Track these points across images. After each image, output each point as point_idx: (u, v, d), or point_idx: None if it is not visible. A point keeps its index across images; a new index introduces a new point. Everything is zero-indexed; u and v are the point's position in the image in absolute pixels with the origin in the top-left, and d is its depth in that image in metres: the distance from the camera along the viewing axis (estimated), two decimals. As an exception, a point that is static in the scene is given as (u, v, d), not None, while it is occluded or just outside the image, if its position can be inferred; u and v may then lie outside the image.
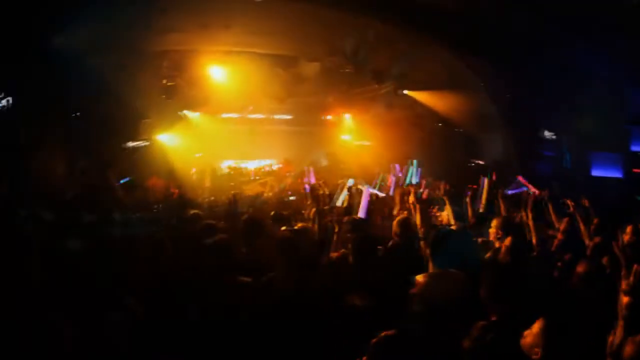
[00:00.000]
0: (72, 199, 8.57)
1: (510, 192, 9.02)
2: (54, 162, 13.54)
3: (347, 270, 5.47)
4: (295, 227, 6.83)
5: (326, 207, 7.54)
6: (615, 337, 3.48)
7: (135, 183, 13.70)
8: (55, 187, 11.78)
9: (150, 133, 17.63)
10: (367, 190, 7.89)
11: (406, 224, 6.40)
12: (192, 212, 8.08)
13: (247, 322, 4.66)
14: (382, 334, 3.32)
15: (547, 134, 15.75)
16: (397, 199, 8.46)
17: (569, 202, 6.98)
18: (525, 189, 9.37)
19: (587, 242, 6.26)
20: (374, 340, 3.29)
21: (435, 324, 3.99)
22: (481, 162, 17.14)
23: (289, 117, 19.85)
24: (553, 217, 7.17)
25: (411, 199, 7.48)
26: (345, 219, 6.94)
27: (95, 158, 14.13)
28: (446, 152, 17.90)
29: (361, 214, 7.58)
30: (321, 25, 13.24)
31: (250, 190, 11.57)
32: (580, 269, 5.02)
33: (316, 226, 6.81)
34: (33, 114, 12.51)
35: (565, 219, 6.79)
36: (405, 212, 7.68)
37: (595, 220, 6.52)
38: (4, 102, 12.58)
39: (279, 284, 5.17)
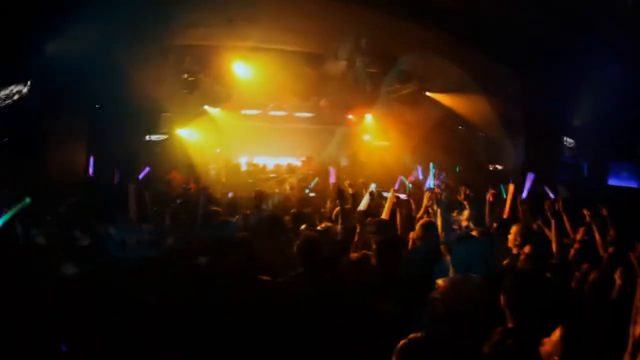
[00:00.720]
0: (65, 212, 8.30)
1: (525, 193, 8.96)
2: (73, 153, 13.65)
3: (367, 272, 5.47)
4: (319, 227, 6.85)
5: (349, 207, 7.57)
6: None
7: (155, 176, 13.77)
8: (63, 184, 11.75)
9: (170, 127, 17.74)
10: (391, 194, 7.88)
11: (429, 227, 6.40)
12: (213, 208, 8.12)
13: (266, 321, 4.68)
14: (409, 336, 3.34)
15: (567, 141, 15.67)
16: (425, 201, 8.46)
17: (585, 211, 6.94)
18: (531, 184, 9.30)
19: (601, 252, 6.22)
20: (401, 343, 3.30)
21: (455, 327, 4.00)
22: (500, 167, 17.09)
23: (310, 115, 19.83)
24: (567, 225, 7.13)
25: (431, 202, 7.50)
26: (369, 220, 6.94)
27: (114, 150, 14.27)
28: (466, 156, 17.84)
29: (385, 215, 7.58)
30: (350, 24, 13.25)
31: (269, 187, 11.57)
32: (591, 278, 5.03)
33: (339, 226, 6.84)
34: (53, 105, 12.59)
35: (582, 228, 6.76)
36: (426, 216, 7.70)
37: (612, 232, 6.47)
38: (24, 89, 12.68)
39: (299, 284, 5.18)
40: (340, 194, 7.58)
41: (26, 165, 11.78)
